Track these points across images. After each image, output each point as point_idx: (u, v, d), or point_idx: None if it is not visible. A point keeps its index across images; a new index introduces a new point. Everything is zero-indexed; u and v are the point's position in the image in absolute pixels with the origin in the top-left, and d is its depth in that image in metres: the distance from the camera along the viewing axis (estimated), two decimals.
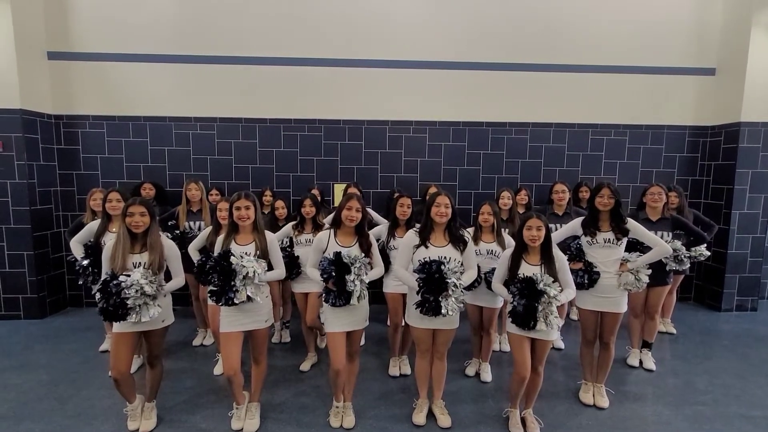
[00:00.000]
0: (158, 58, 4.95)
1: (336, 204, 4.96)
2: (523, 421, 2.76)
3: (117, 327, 2.50)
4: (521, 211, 4.20)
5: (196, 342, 4.09)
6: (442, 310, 2.41)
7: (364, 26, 5.05)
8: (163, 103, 5.01)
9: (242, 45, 5.00)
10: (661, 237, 3.35)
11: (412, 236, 2.67)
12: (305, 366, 3.60)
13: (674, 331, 4.46)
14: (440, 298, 2.41)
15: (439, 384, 2.86)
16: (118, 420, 2.78)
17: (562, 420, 2.86)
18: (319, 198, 4.52)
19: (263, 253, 2.61)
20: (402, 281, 2.69)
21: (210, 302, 3.08)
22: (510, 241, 3.16)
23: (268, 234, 2.68)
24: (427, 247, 2.60)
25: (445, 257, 2.53)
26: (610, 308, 2.92)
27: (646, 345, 3.75)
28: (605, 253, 2.89)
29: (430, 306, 2.43)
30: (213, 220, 3.37)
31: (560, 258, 2.59)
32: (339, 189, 5.08)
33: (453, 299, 2.44)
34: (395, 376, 3.48)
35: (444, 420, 2.79)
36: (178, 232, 3.79)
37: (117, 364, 2.52)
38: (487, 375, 3.43)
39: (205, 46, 4.97)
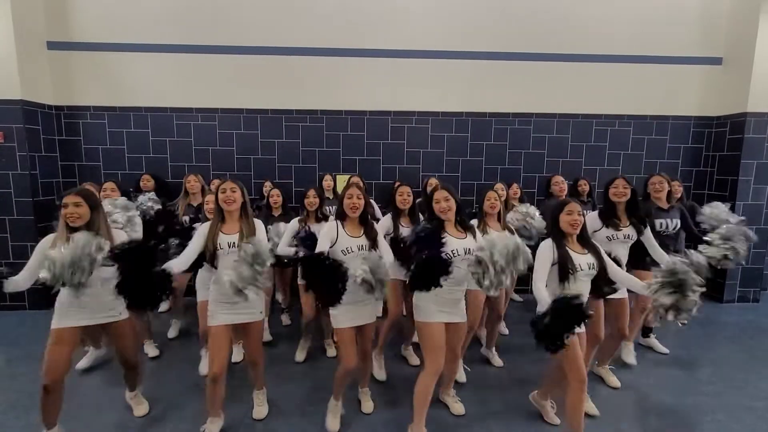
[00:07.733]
0: (159, 48, 4.90)
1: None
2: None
3: (56, 322, 2.31)
4: (515, 204, 4.13)
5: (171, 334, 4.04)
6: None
7: (366, 16, 4.98)
8: (165, 94, 4.98)
9: (243, 35, 4.94)
10: (670, 225, 3.37)
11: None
12: (300, 356, 3.57)
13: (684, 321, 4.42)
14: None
15: (451, 377, 2.83)
16: (123, 410, 2.81)
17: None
18: (333, 184, 4.52)
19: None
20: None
21: (200, 298, 3.07)
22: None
23: (256, 221, 2.53)
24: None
25: (467, 249, 2.43)
26: (614, 295, 2.84)
27: (648, 330, 3.85)
28: (623, 248, 2.84)
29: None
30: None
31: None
32: (341, 180, 5.05)
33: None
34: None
35: (457, 408, 2.80)
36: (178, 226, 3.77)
37: (50, 369, 2.24)
38: (496, 359, 3.48)
39: (206, 36, 4.92)
